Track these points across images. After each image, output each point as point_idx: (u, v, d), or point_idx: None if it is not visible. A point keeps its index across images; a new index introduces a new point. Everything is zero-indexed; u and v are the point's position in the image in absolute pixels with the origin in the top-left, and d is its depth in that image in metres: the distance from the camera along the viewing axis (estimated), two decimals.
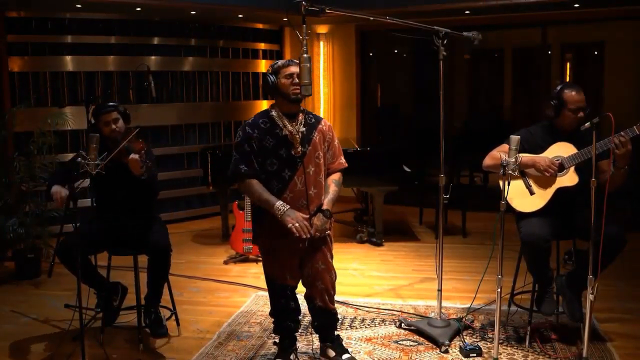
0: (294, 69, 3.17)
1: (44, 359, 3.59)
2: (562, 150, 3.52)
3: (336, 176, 3.37)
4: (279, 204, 3.11)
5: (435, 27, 3.56)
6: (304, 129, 3.23)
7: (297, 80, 3.14)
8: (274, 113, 3.24)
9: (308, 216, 3.19)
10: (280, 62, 3.22)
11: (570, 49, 8.82)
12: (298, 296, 3.43)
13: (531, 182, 3.55)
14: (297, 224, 3.09)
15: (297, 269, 3.33)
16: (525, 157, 3.49)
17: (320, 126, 3.30)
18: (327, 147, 3.33)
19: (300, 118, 3.25)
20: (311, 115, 3.33)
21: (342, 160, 3.41)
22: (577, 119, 3.52)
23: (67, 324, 3.89)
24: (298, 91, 3.14)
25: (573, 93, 3.53)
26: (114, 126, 3.68)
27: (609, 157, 3.32)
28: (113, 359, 3.53)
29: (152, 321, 3.68)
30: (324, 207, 3.24)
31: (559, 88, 3.60)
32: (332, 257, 3.38)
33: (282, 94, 3.19)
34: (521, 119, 8.79)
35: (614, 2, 6.69)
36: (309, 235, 3.13)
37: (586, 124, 3.23)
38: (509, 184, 3.18)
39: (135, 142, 3.54)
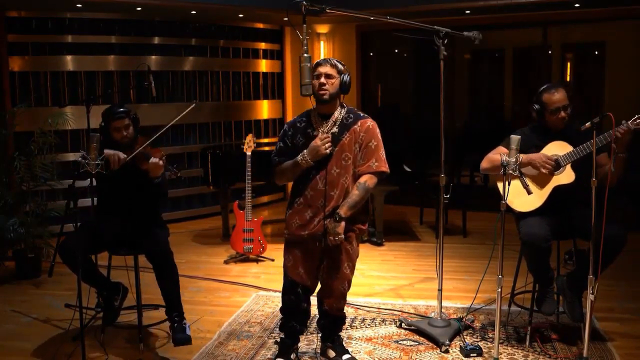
0: (322, 69, 3.13)
1: (45, 358, 3.59)
2: (557, 149, 3.52)
3: (363, 179, 3.17)
4: (299, 156, 3.15)
5: (436, 27, 3.56)
6: (336, 129, 3.19)
7: (323, 81, 3.12)
8: (312, 113, 3.27)
9: (323, 217, 3.17)
10: (315, 62, 3.19)
11: (571, 49, 8.81)
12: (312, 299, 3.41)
13: (528, 182, 3.54)
14: (317, 142, 3.11)
15: (313, 270, 3.30)
16: (521, 156, 3.49)
17: (354, 127, 3.20)
18: (359, 149, 3.21)
19: (334, 118, 3.21)
20: (352, 115, 3.23)
21: (375, 163, 3.18)
22: (561, 119, 3.52)
23: (67, 323, 3.89)
24: (324, 92, 3.12)
25: (551, 94, 3.53)
26: (124, 133, 3.66)
27: (607, 150, 3.34)
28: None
29: (173, 329, 3.57)
30: (338, 210, 3.14)
31: (539, 90, 3.60)
32: (351, 268, 3.30)
33: (314, 94, 3.13)
34: (521, 119, 8.79)
35: (615, 2, 6.69)
36: (328, 148, 3.11)
37: (587, 124, 3.23)
38: (509, 184, 3.18)
39: (154, 150, 3.60)
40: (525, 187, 3.50)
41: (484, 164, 3.65)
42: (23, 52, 6.30)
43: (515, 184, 3.55)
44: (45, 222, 5.27)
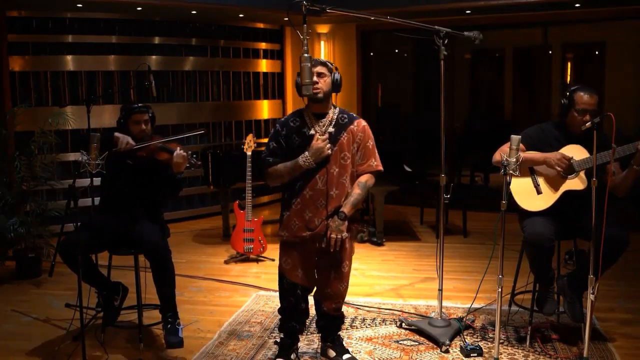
0: (313, 68, 3.13)
1: (45, 358, 3.59)
2: (574, 152, 3.49)
3: (363, 178, 3.24)
4: (300, 157, 3.14)
5: (436, 27, 3.56)
6: (332, 129, 3.21)
7: (316, 79, 3.13)
8: (305, 112, 3.26)
9: (325, 216, 3.17)
10: None
11: (571, 48, 8.83)
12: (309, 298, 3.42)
13: (540, 182, 3.54)
14: (320, 144, 3.11)
15: (311, 270, 3.31)
16: (535, 154, 3.48)
17: (351, 127, 3.24)
18: (357, 148, 3.26)
19: (329, 118, 3.23)
20: (346, 115, 3.28)
21: (374, 162, 3.27)
22: (583, 122, 3.47)
23: (67, 323, 3.89)
24: (318, 90, 3.13)
25: (584, 95, 3.48)
26: (143, 127, 3.70)
27: (624, 161, 3.33)
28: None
29: (166, 330, 3.56)
30: (342, 209, 3.16)
31: (573, 87, 3.56)
32: (349, 266, 3.33)
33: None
34: (522, 118, 8.80)
35: (615, 2, 6.69)
36: (328, 151, 3.12)
37: (587, 124, 3.23)
38: (509, 184, 3.17)
39: (172, 144, 3.64)
40: (536, 186, 3.50)
41: (496, 156, 3.61)
42: (23, 52, 6.30)
43: (527, 181, 3.54)
44: (45, 222, 5.27)
